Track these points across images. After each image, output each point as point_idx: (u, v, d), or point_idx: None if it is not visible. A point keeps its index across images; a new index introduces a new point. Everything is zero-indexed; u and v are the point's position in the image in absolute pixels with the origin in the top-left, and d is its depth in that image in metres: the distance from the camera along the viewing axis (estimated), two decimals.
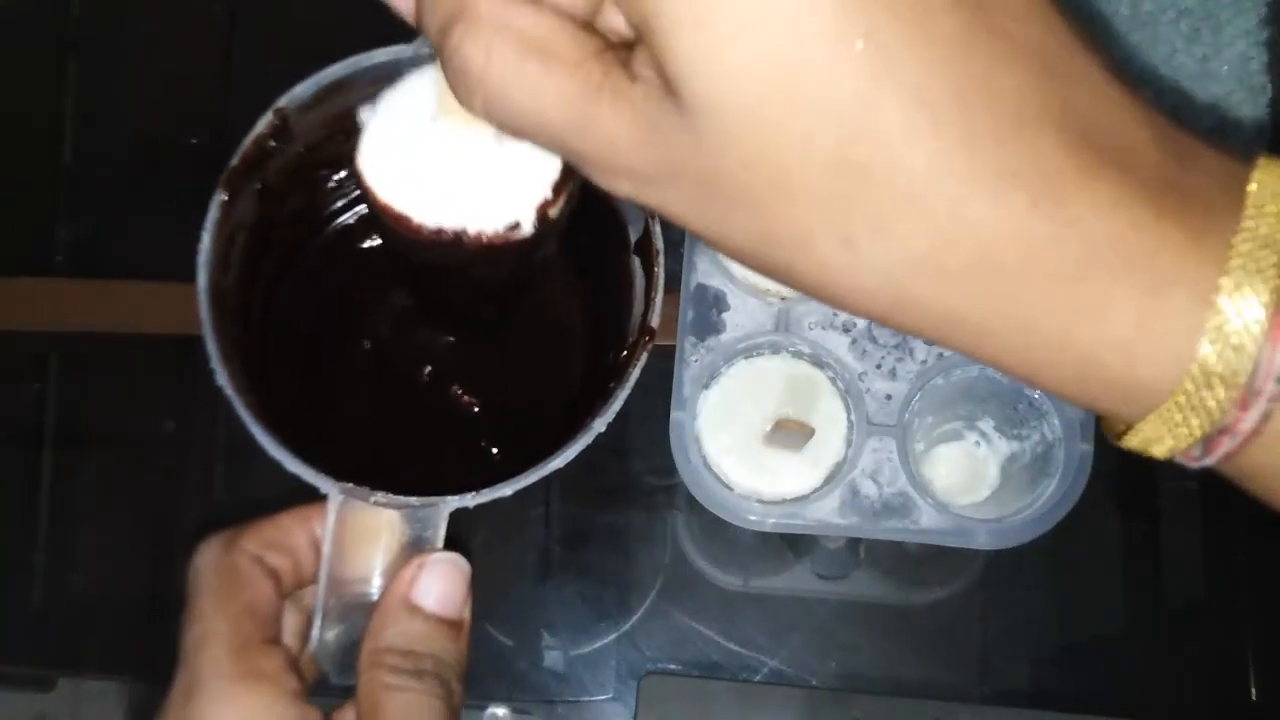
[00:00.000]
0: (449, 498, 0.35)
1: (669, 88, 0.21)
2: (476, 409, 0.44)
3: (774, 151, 0.21)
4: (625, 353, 0.38)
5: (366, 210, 0.32)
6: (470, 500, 0.35)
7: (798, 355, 0.50)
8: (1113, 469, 0.56)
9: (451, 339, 0.44)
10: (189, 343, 0.61)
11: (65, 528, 0.59)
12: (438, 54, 0.24)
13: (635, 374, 0.37)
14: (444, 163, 0.28)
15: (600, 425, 0.36)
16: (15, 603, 0.58)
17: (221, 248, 0.37)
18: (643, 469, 0.57)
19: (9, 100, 0.63)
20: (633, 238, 0.40)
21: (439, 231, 0.29)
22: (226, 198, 0.37)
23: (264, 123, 0.36)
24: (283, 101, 0.37)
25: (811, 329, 0.50)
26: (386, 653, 0.33)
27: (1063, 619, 0.57)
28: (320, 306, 0.45)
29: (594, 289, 0.44)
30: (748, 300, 0.50)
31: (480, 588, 0.59)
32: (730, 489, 0.49)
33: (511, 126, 0.23)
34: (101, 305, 0.58)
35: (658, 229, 0.38)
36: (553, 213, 0.29)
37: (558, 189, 0.29)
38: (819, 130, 0.20)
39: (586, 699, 0.56)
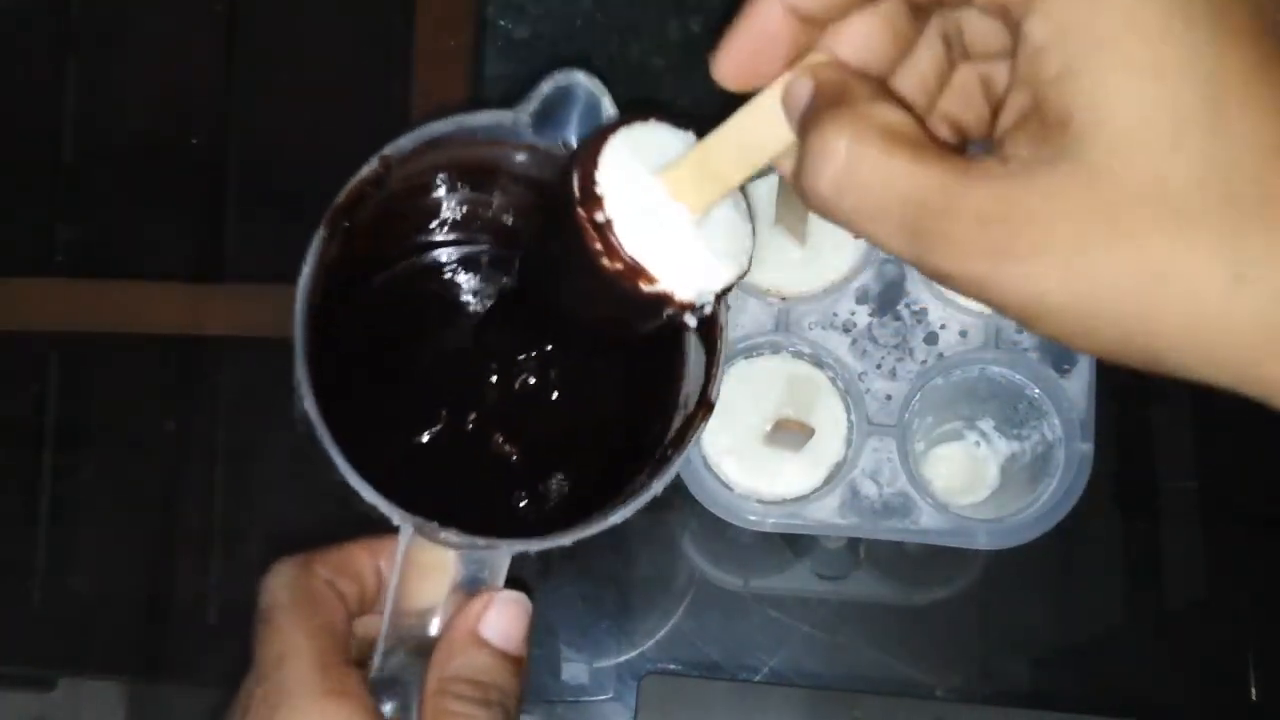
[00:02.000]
0: (514, 541, 0.36)
1: (1065, 147, 0.23)
2: (515, 458, 0.45)
3: (1179, 186, 0.22)
4: (683, 424, 0.40)
5: (561, 245, 0.33)
6: (533, 546, 0.36)
7: (798, 355, 0.50)
8: (1113, 469, 0.57)
9: (501, 384, 0.46)
10: (189, 343, 0.62)
11: (65, 528, 0.59)
12: (800, 133, 0.27)
13: (693, 442, 0.38)
14: (664, 230, 0.31)
15: (658, 487, 0.37)
16: (15, 603, 0.58)
17: (320, 274, 0.38)
18: None
19: (9, 100, 0.63)
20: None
21: (654, 285, 0.31)
22: (326, 235, 0.37)
23: (369, 168, 0.37)
24: (388, 150, 0.37)
25: (811, 329, 0.50)
26: (455, 681, 0.35)
27: (1063, 619, 0.57)
28: (373, 346, 0.45)
29: (643, 359, 0.45)
30: (748, 300, 0.50)
31: None
32: (730, 489, 0.49)
33: (854, 206, 0.25)
34: (101, 305, 0.59)
35: (724, 309, 0.39)
36: (725, 297, 0.33)
37: (737, 278, 0.32)
38: (1215, 165, 0.22)
39: (586, 699, 0.56)
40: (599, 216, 0.30)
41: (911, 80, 0.29)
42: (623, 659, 0.56)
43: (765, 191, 0.50)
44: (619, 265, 0.31)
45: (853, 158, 0.25)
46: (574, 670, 0.56)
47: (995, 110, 0.29)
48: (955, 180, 0.24)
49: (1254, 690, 0.55)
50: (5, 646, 0.58)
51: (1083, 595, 0.57)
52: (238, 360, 0.59)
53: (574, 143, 0.38)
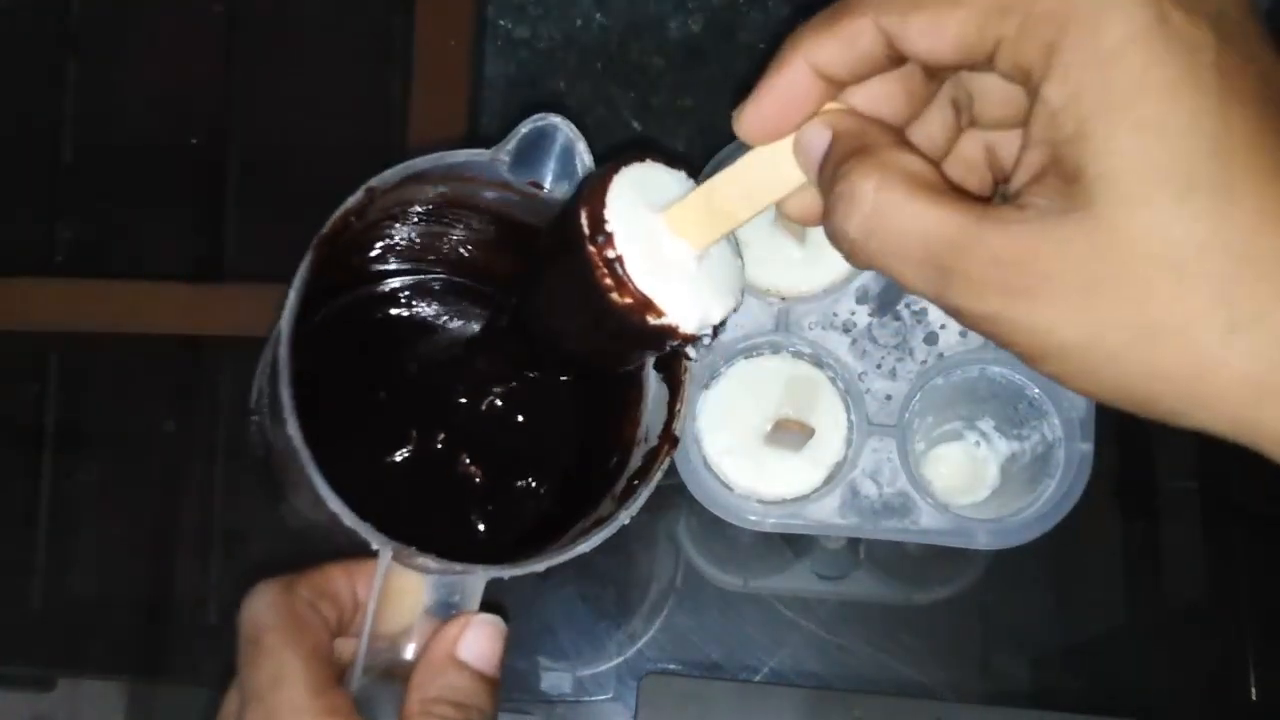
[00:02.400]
0: (489, 567, 0.37)
1: (1077, 199, 0.25)
2: (481, 480, 0.46)
3: (1180, 239, 0.24)
4: (648, 457, 0.41)
5: (569, 277, 0.34)
6: (507, 572, 0.37)
7: (798, 355, 0.50)
8: (1113, 469, 0.57)
9: (470, 406, 0.47)
10: (189, 343, 0.62)
11: (65, 528, 0.59)
12: (821, 179, 0.29)
13: (659, 475, 0.39)
14: (669, 265, 0.32)
15: (625, 518, 0.38)
16: (15, 603, 0.58)
17: (301, 303, 0.38)
18: None
19: (9, 100, 0.63)
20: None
21: (661, 318, 0.32)
22: (314, 258, 0.37)
23: (355, 198, 0.38)
24: (374, 181, 0.38)
25: (811, 329, 0.50)
26: (436, 703, 0.35)
27: (1063, 619, 0.57)
28: (349, 371, 0.46)
29: (599, 385, 0.46)
30: (748, 300, 0.50)
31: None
32: (730, 489, 0.49)
33: (879, 247, 0.27)
34: (101, 305, 0.58)
35: (691, 350, 0.40)
36: (720, 331, 0.34)
37: (733, 311, 0.34)
38: (1217, 223, 0.24)
39: (586, 699, 0.56)
40: (609, 253, 0.31)
41: (920, 141, 0.30)
42: (623, 659, 0.56)
43: None
44: (629, 299, 0.32)
45: (880, 202, 0.27)
46: (574, 670, 0.56)
47: (998, 177, 0.31)
48: (974, 223, 0.26)
49: (1254, 690, 0.55)
50: (5, 646, 0.58)
51: (1083, 595, 0.57)
52: (238, 360, 0.59)
53: (547, 183, 0.39)
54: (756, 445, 0.50)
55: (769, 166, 0.30)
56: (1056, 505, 0.47)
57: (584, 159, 0.39)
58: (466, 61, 0.60)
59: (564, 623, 0.57)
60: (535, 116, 0.38)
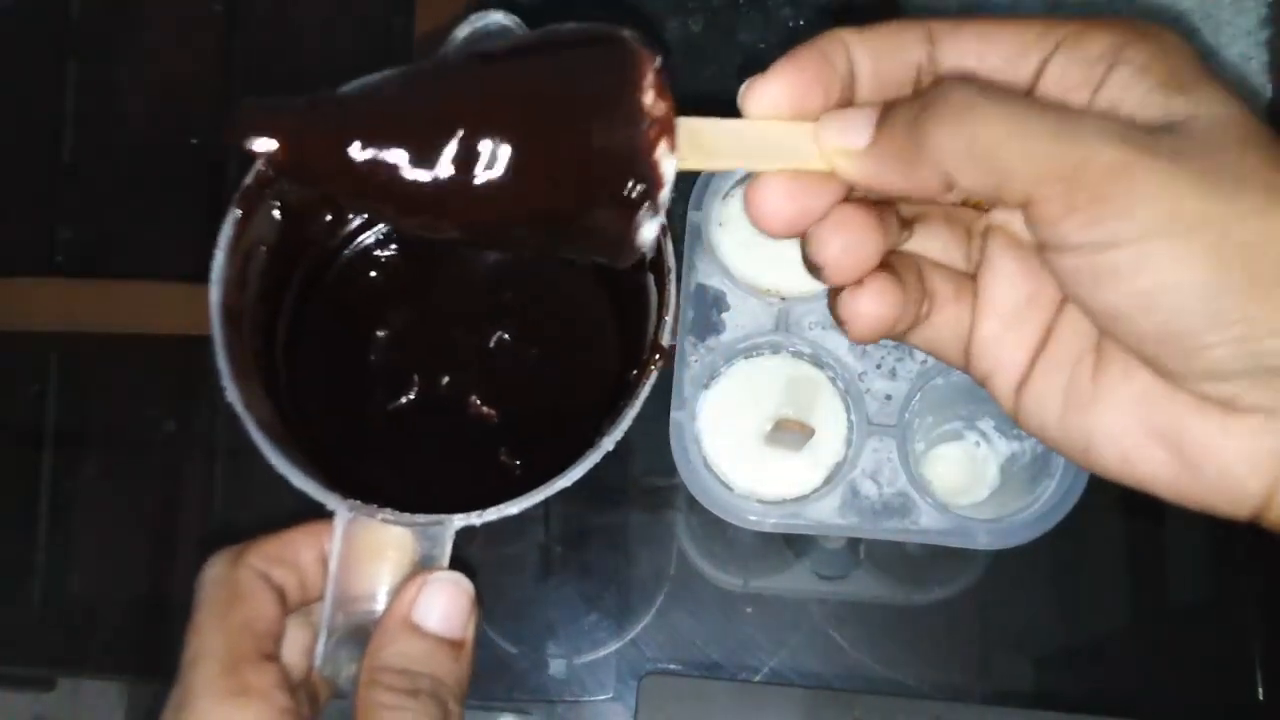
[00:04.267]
0: (455, 516, 0.35)
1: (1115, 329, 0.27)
2: (497, 421, 0.44)
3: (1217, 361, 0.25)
4: (636, 370, 0.38)
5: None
6: (476, 519, 0.35)
7: (798, 355, 0.50)
8: None
9: (478, 349, 0.44)
10: (189, 343, 0.62)
11: (65, 528, 0.59)
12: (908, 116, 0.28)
13: (645, 392, 0.37)
14: None
15: (609, 444, 0.36)
16: (15, 603, 0.58)
17: (238, 264, 0.37)
18: (643, 469, 0.57)
19: (9, 100, 0.63)
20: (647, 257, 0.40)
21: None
22: (241, 214, 0.37)
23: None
24: None
25: (811, 329, 0.50)
26: (383, 671, 0.34)
27: (1063, 619, 0.57)
28: (345, 322, 0.45)
29: (616, 309, 0.44)
30: (748, 300, 0.50)
31: (480, 588, 0.59)
32: (730, 489, 0.49)
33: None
34: (101, 305, 0.58)
35: (669, 247, 0.38)
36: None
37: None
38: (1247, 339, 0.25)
39: (587, 699, 0.56)
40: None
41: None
42: (623, 659, 0.56)
43: None
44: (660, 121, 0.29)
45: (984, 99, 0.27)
46: (573, 670, 0.56)
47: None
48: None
49: (1260, 690, 0.55)
50: (5, 646, 0.58)
51: (1083, 595, 0.57)
52: None
53: None
54: (756, 445, 0.50)
55: (775, 138, 0.29)
56: (1056, 505, 0.47)
57: None
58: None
59: (564, 622, 0.57)
60: (473, 16, 0.35)
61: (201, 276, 0.61)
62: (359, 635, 0.35)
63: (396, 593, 0.35)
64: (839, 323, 0.30)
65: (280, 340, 0.42)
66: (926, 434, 0.52)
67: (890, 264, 0.30)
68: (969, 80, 0.27)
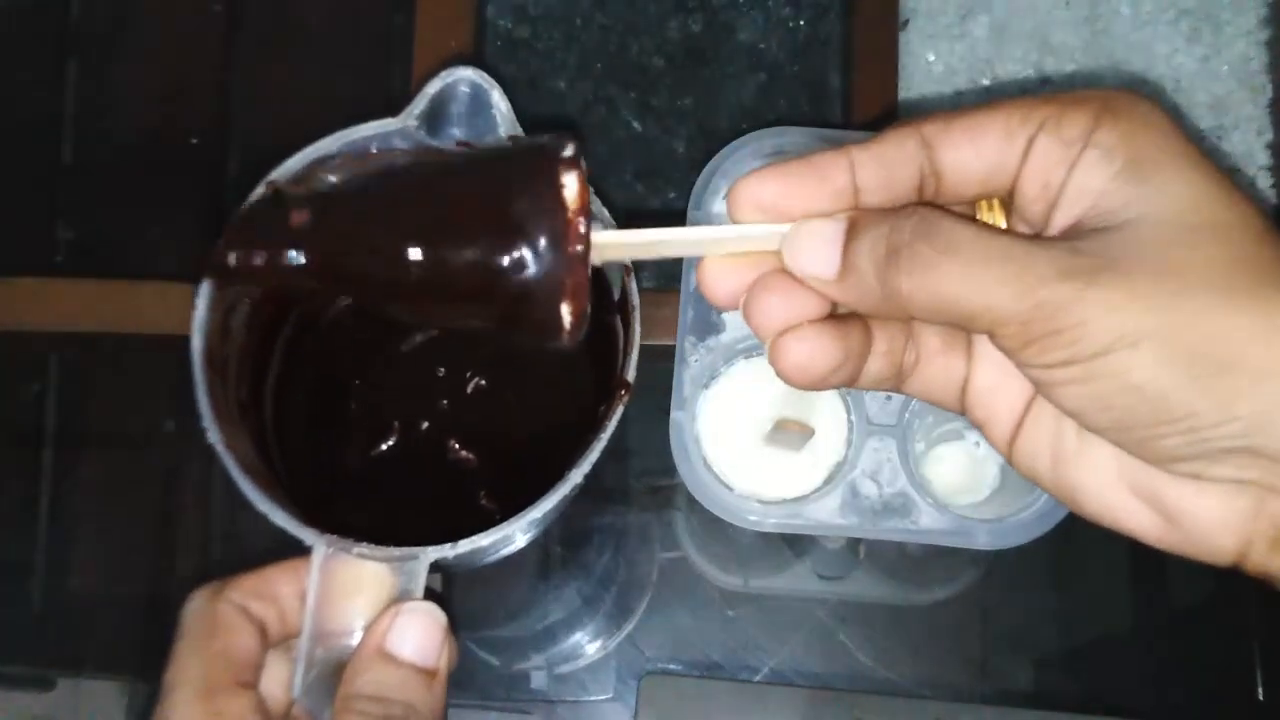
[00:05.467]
0: (428, 549, 0.36)
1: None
2: (476, 465, 0.45)
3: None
4: (604, 406, 0.39)
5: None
6: (449, 551, 0.36)
7: None
8: None
9: (456, 395, 0.46)
10: (189, 343, 0.62)
11: (65, 528, 0.59)
12: (868, 248, 0.29)
13: (612, 425, 0.38)
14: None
15: (578, 476, 0.37)
16: (15, 603, 0.58)
17: (219, 316, 0.38)
18: (643, 469, 0.57)
19: (9, 100, 0.63)
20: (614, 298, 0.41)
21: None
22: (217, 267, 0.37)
23: (256, 196, 0.36)
24: (274, 175, 0.37)
25: None
26: (357, 699, 0.34)
27: (1063, 619, 0.57)
28: (329, 369, 0.46)
29: (588, 348, 0.45)
30: None
31: (480, 589, 0.59)
32: (730, 489, 0.49)
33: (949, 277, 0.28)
34: (101, 305, 0.58)
35: (634, 287, 0.39)
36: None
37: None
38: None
39: (586, 699, 0.56)
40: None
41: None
42: (623, 659, 0.56)
43: None
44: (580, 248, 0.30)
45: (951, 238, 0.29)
46: (573, 670, 0.56)
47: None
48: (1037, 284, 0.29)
49: (1260, 690, 0.55)
50: (5, 646, 0.58)
51: (1083, 595, 0.57)
52: None
53: (459, 136, 0.37)
54: (756, 445, 0.50)
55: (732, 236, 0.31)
56: (1056, 505, 0.47)
57: (500, 108, 0.37)
58: (466, 61, 0.60)
59: (564, 623, 0.57)
60: (444, 73, 0.37)
61: (201, 277, 0.61)
62: (337, 668, 0.36)
63: (372, 623, 0.36)
64: (770, 361, 0.32)
65: (269, 385, 0.43)
66: (926, 434, 0.52)
67: (835, 315, 0.31)
68: (933, 221, 0.28)
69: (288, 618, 0.37)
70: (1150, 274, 0.26)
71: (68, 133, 0.62)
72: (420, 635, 0.35)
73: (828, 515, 0.48)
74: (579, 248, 0.29)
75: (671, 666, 0.56)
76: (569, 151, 0.30)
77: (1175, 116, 0.27)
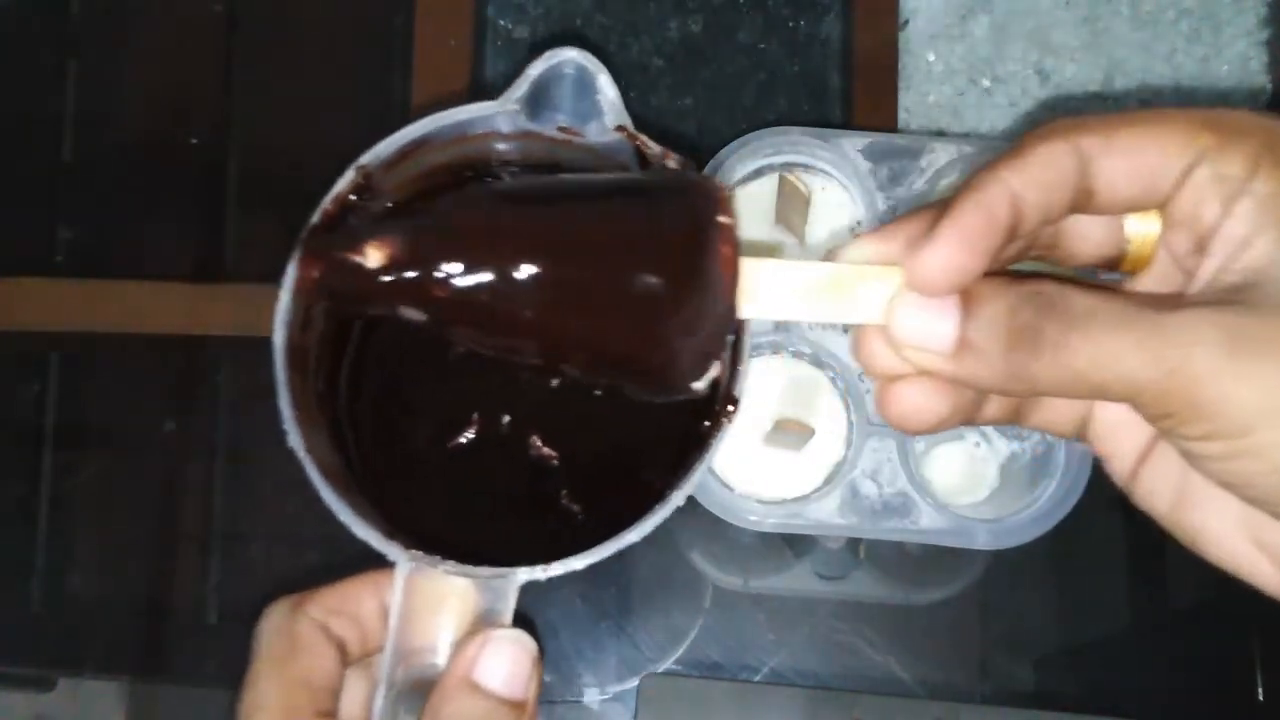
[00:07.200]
0: (520, 569, 0.34)
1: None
2: (558, 463, 0.44)
3: None
4: (709, 421, 0.37)
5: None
6: (541, 573, 0.34)
7: (798, 355, 0.50)
8: None
9: (541, 389, 0.44)
10: (189, 343, 0.62)
11: (65, 528, 0.59)
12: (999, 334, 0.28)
13: (719, 444, 0.36)
14: None
15: (680, 498, 0.35)
16: (15, 603, 0.58)
17: (302, 309, 0.35)
18: None
19: (9, 100, 0.63)
20: None
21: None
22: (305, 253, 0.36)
23: (345, 180, 0.35)
24: (365, 159, 0.35)
25: (811, 329, 0.50)
26: None
27: (1063, 619, 0.57)
28: (408, 359, 0.44)
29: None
30: None
31: None
32: (730, 489, 0.49)
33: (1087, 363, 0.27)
34: (101, 305, 0.58)
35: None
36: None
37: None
38: None
39: (587, 699, 0.56)
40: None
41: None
42: (622, 659, 0.56)
43: (767, 190, 0.50)
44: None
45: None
46: (573, 670, 0.56)
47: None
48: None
49: (1260, 691, 0.55)
50: (5, 646, 0.58)
51: (1083, 595, 0.57)
52: (238, 360, 0.59)
53: (581, 125, 0.36)
54: (756, 445, 0.50)
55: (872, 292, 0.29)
56: (1056, 505, 0.47)
57: (607, 94, 0.35)
58: (466, 61, 0.60)
59: (564, 623, 0.57)
60: (548, 54, 0.35)
61: (202, 276, 0.61)
62: (419, 688, 0.34)
63: (458, 649, 0.34)
64: (879, 409, 0.30)
65: (344, 379, 0.41)
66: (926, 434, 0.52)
67: None
68: (1058, 298, 0.27)
69: (368, 635, 0.36)
70: None
71: (68, 133, 0.62)
72: (510, 666, 0.34)
73: (828, 515, 0.48)
74: (738, 313, 0.29)
75: (671, 666, 0.56)
76: (720, 194, 0.29)
77: None
